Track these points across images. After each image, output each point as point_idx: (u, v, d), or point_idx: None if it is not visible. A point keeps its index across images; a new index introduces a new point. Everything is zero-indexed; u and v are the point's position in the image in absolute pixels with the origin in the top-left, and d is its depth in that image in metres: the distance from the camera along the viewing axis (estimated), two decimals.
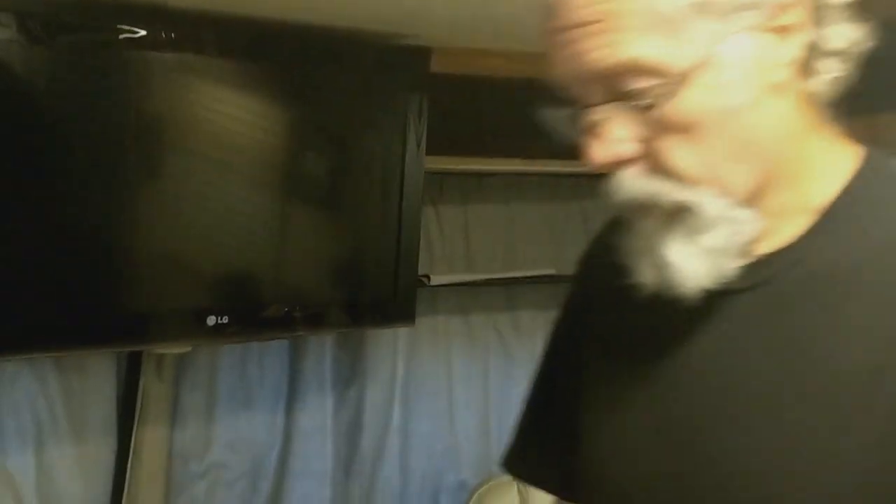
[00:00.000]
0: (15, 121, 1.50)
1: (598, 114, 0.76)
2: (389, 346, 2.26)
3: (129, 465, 1.95)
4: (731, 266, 0.77)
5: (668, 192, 0.76)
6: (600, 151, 0.76)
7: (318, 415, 2.20)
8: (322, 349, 2.19)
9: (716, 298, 0.80)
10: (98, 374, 1.94)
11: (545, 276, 2.24)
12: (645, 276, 0.79)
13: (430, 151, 1.90)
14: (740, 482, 0.79)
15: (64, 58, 1.52)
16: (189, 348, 1.89)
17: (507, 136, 2.03)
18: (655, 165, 0.76)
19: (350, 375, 2.24)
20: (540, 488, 1.07)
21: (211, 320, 1.64)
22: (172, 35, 1.58)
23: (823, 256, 0.79)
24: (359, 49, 1.86)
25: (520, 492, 2.13)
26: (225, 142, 1.72)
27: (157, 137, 1.63)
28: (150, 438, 1.97)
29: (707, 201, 0.76)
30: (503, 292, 2.38)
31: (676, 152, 0.75)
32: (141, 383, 1.93)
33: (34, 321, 1.53)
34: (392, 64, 1.88)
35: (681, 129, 0.75)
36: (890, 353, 0.74)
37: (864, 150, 0.83)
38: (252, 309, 1.75)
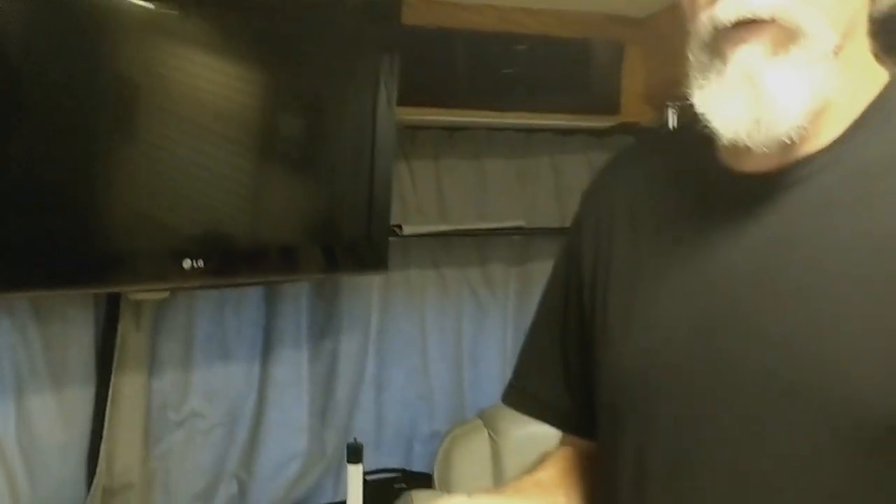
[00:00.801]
0: None
1: None
2: (364, 299, 2.30)
3: (107, 414, 1.98)
4: (807, 114, 0.82)
5: (794, 8, 0.80)
6: None
7: (293, 365, 2.24)
8: (298, 301, 2.23)
9: (759, 196, 0.86)
10: (77, 323, 1.97)
11: (515, 227, 2.29)
12: (731, 119, 0.83)
13: (401, 103, 1.94)
14: (777, 368, 0.82)
15: (37, 17, 1.53)
16: (166, 294, 1.92)
17: (478, 89, 2.07)
18: None
19: (325, 327, 2.28)
20: (543, 421, 1.11)
21: (187, 263, 1.67)
22: None
23: (860, 156, 0.84)
24: (330, 3, 1.88)
25: (490, 436, 2.19)
26: (199, 98, 1.74)
27: (131, 95, 1.65)
28: (129, 387, 2.00)
29: (822, 32, 0.80)
30: (475, 247, 2.43)
31: None
32: (119, 332, 1.96)
33: (13, 262, 1.55)
34: (363, 18, 1.91)
35: None
36: None
37: (893, 68, 0.89)
38: (228, 253, 1.78)
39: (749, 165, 0.89)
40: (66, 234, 1.61)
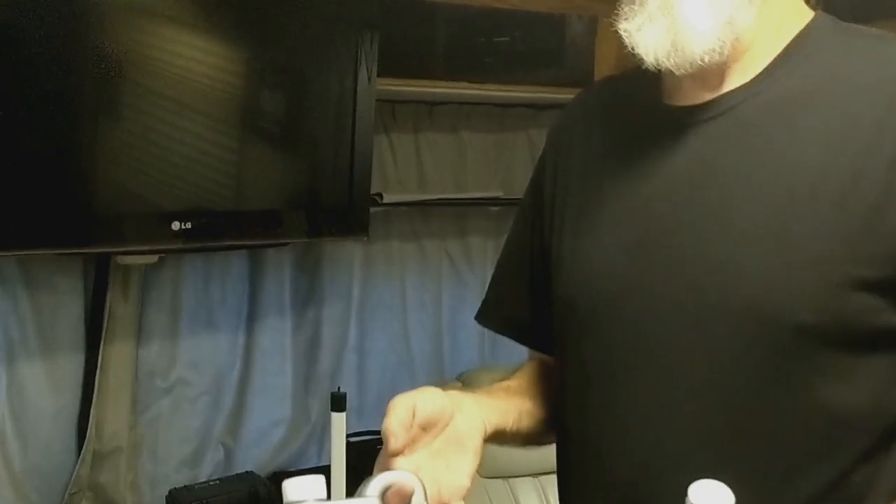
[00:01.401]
0: None
1: None
2: (346, 269, 2.36)
3: (96, 381, 2.03)
4: (724, 44, 0.91)
5: None
6: None
7: (277, 334, 2.29)
8: (281, 271, 2.28)
9: (686, 127, 0.96)
10: (66, 292, 2.01)
11: (493, 198, 2.35)
12: (651, 44, 0.92)
13: (382, 74, 1.99)
14: (696, 282, 0.92)
15: None
16: (154, 259, 1.97)
17: (456, 62, 2.14)
18: None
19: (308, 296, 2.33)
20: (509, 336, 1.22)
21: (176, 225, 1.73)
22: None
23: (780, 88, 0.94)
24: None
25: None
26: (186, 73, 1.78)
27: (120, 69, 1.68)
28: (117, 355, 2.05)
29: None
30: (454, 219, 2.49)
31: None
32: (108, 302, 2.01)
33: (4, 222, 1.61)
34: None
35: None
36: (847, 157, 0.88)
37: (816, 10, 0.98)
38: (215, 217, 1.84)
39: (682, 100, 0.98)
40: (57, 197, 1.66)
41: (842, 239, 0.87)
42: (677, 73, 0.93)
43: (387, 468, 0.88)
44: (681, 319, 0.93)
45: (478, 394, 1.05)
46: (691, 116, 0.97)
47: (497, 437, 1.04)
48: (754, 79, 0.95)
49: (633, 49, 0.94)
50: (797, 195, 0.89)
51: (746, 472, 0.75)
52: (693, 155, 0.96)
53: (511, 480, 2.23)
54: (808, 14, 0.98)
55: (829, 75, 0.93)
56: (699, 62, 0.92)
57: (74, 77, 1.65)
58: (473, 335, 2.53)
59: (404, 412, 0.91)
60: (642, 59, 0.94)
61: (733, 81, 0.96)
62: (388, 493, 0.83)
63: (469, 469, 0.94)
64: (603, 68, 2.16)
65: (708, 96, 0.96)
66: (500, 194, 2.37)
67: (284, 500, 0.79)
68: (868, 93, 0.90)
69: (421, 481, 0.85)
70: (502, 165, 2.48)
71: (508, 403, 1.08)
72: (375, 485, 0.83)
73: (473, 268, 2.51)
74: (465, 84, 2.19)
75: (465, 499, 0.94)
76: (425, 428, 0.92)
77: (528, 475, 2.20)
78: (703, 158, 0.95)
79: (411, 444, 0.91)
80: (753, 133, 0.93)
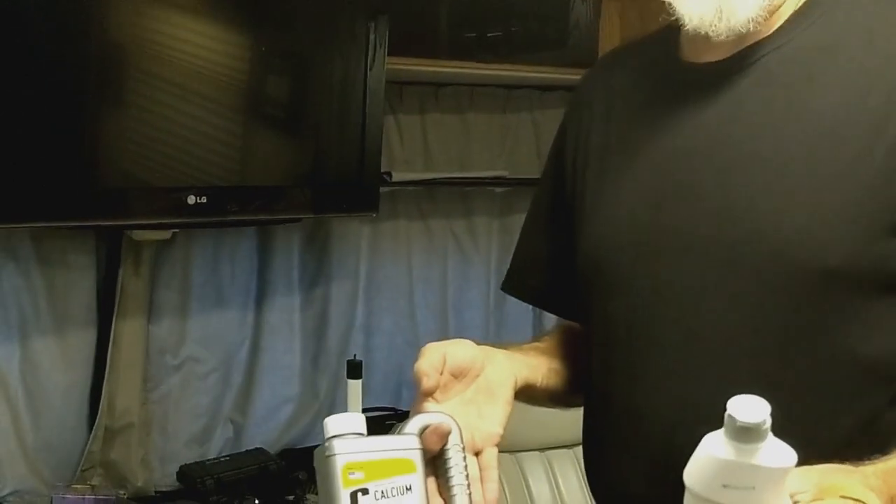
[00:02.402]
0: None
1: None
2: (353, 248, 2.38)
3: (108, 357, 2.06)
4: (762, 7, 0.93)
5: None
6: None
7: (286, 312, 2.31)
8: (290, 250, 2.31)
9: (709, 82, 0.98)
10: (79, 269, 2.04)
11: (498, 178, 2.38)
12: (696, 9, 0.94)
13: (390, 54, 2.02)
14: (720, 232, 0.94)
15: None
16: (167, 235, 2.00)
17: (462, 43, 2.16)
18: None
19: (316, 275, 2.36)
20: (533, 304, 1.28)
21: (191, 199, 1.76)
22: None
23: (800, 41, 0.96)
24: None
25: None
26: (200, 55, 1.82)
27: (130, 49, 1.72)
28: (129, 332, 2.07)
29: None
30: (460, 199, 2.51)
31: None
32: (119, 279, 2.04)
33: (20, 195, 1.65)
34: None
35: None
36: (869, 106, 0.91)
37: None
38: (228, 191, 1.87)
39: (704, 56, 1.01)
40: (70, 171, 1.70)
41: (867, 185, 0.89)
42: (717, 38, 0.95)
43: (421, 412, 0.91)
44: (707, 270, 0.95)
45: (509, 348, 1.08)
46: (713, 72, 0.99)
47: (527, 392, 1.06)
48: (774, 32, 0.98)
49: (671, 10, 0.96)
50: (821, 144, 0.91)
51: (782, 418, 0.77)
52: (716, 109, 0.98)
53: (518, 455, 2.26)
54: None
55: (847, 27, 0.95)
56: (741, 30, 0.94)
57: (86, 59, 1.70)
58: (478, 314, 2.55)
59: (436, 356, 0.94)
60: (682, 20, 0.96)
61: (753, 37, 0.98)
62: (426, 432, 0.86)
63: (501, 418, 0.97)
64: (607, 49, 2.19)
65: (729, 52, 0.98)
66: (505, 174, 2.40)
67: (325, 434, 0.82)
68: (886, 43, 0.93)
69: (456, 422, 0.88)
70: (507, 146, 2.50)
71: (538, 360, 1.11)
72: (414, 423, 0.86)
73: (479, 247, 2.54)
74: (471, 65, 2.21)
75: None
76: (456, 376, 0.95)
77: (536, 449, 2.22)
78: (726, 112, 0.97)
79: (444, 390, 0.94)
80: (776, 85, 0.96)
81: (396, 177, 2.23)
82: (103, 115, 1.73)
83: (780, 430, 0.73)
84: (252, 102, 1.92)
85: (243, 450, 2.26)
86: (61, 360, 2.05)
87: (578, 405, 1.15)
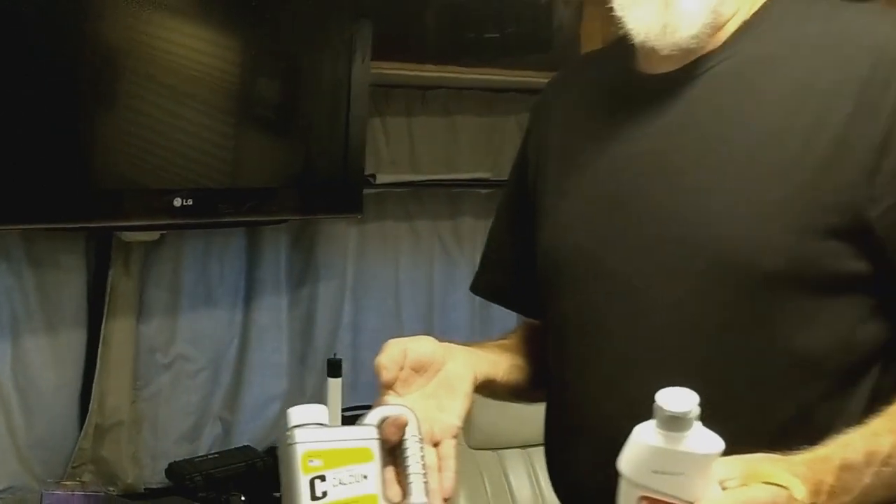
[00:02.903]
0: None
1: None
2: (340, 248, 2.42)
3: (99, 356, 2.09)
4: (707, 28, 0.99)
5: None
6: None
7: (274, 311, 2.35)
8: (278, 250, 2.34)
9: (659, 92, 1.03)
10: (70, 269, 2.08)
11: (483, 179, 2.42)
12: (643, 23, 0.99)
13: (376, 58, 2.06)
14: (668, 233, 0.99)
15: None
16: (156, 236, 2.03)
17: (448, 47, 2.21)
18: None
19: (303, 275, 2.39)
20: (498, 303, 1.31)
21: (177, 202, 1.80)
22: None
23: (745, 54, 1.01)
24: None
25: None
26: (187, 58, 1.85)
27: (120, 52, 1.75)
28: (119, 331, 2.11)
29: None
30: (446, 201, 2.56)
31: None
32: (110, 278, 2.07)
33: (13, 197, 1.69)
34: None
35: None
36: (807, 114, 0.96)
37: None
38: (215, 195, 1.91)
39: (656, 68, 1.05)
40: (62, 173, 1.73)
41: (803, 190, 0.94)
42: (661, 52, 1.00)
43: (382, 404, 0.96)
44: (655, 269, 1.00)
45: (471, 346, 1.13)
46: (664, 82, 1.04)
47: (488, 386, 1.11)
48: (721, 46, 1.03)
49: (622, 24, 1.01)
50: (760, 151, 0.96)
51: (720, 409, 0.82)
52: (666, 117, 1.03)
53: (500, 452, 2.30)
54: None
55: (790, 40, 1.00)
56: (684, 45, 0.99)
57: (78, 62, 1.72)
58: (463, 314, 2.60)
59: (396, 351, 0.99)
60: (630, 34, 1.01)
61: (701, 49, 1.03)
62: (385, 423, 0.91)
63: (460, 411, 1.01)
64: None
65: (679, 63, 1.03)
66: (490, 176, 2.44)
67: (288, 424, 0.87)
68: (824, 55, 0.98)
69: (415, 414, 0.92)
70: (493, 148, 2.54)
71: (500, 357, 1.16)
72: (374, 415, 0.90)
73: (464, 249, 2.58)
74: (457, 69, 2.25)
75: (457, 458, 1.00)
76: (417, 371, 1.00)
77: (517, 447, 2.27)
78: (675, 120, 1.02)
79: (405, 384, 0.99)
80: (721, 96, 1.01)
81: (381, 178, 2.27)
82: (95, 118, 1.77)
83: (719, 421, 0.78)
84: (240, 105, 1.96)
85: (232, 447, 2.29)
86: (52, 359, 2.08)
87: (541, 400, 1.19)
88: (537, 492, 2.24)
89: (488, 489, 2.26)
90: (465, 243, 2.59)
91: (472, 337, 2.60)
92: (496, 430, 2.26)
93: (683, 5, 0.98)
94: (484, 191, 2.54)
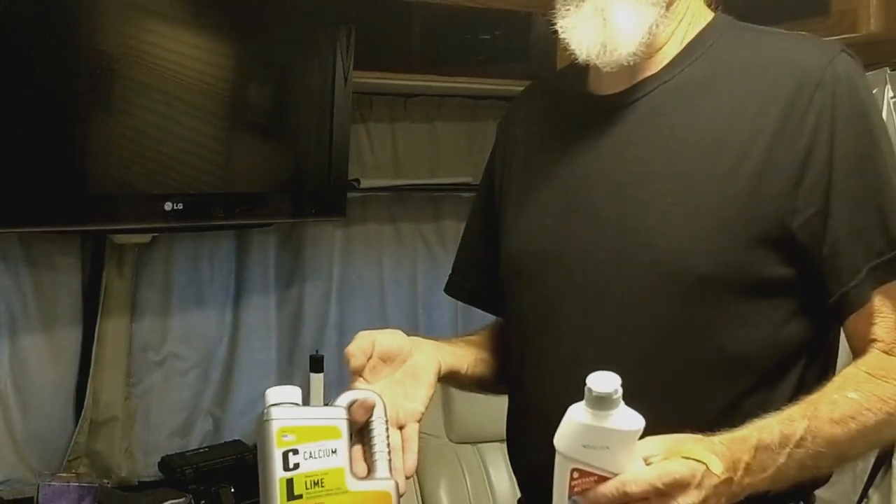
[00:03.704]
0: None
1: None
2: (326, 250, 2.50)
3: (93, 354, 2.17)
4: (643, 48, 1.07)
5: None
6: None
7: (262, 311, 2.43)
8: (266, 252, 2.42)
9: (605, 113, 1.12)
10: (65, 270, 2.15)
11: (464, 184, 2.50)
12: (584, 42, 1.08)
13: (360, 67, 2.14)
14: (613, 243, 1.08)
15: None
16: (147, 239, 2.11)
17: (430, 56, 2.29)
18: None
19: (291, 276, 2.47)
20: (470, 304, 1.40)
21: (168, 206, 1.88)
22: None
23: (682, 77, 1.11)
24: None
25: None
26: (178, 65, 1.92)
27: (112, 60, 1.82)
28: (113, 330, 2.18)
29: None
30: (429, 204, 2.63)
31: None
32: (104, 279, 2.15)
33: (9, 201, 1.76)
34: None
35: None
36: (737, 133, 1.05)
37: (716, 11, 1.15)
38: (204, 199, 1.99)
39: (605, 89, 1.15)
40: (57, 178, 1.80)
41: (733, 203, 1.04)
42: (603, 69, 1.09)
43: (351, 389, 1.04)
44: (601, 275, 1.09)
45: (439, 340, 1.22)
46: (609, 104, 1.13)
47: (453, 377, 1.20)
48: (662, 69, 1.12)
49: (566, 44, 1.10)
50: (696, 167, 1.06)
51: (658, 400, 0.90)
52: (613, 135, 1.12)
53: (479, 446, 2.39)
54: (709, 15, 1.16)
55: (723, 65, 1.10)
56: (623, 62, 1.08)
57: (73, 68, 1.79)
58: (447, 314, 2.67)
59: (365, 341, 1.08)
60: (574, 53, 1.10)
61: (644, 73, 1.12)
62: (354, 406, 0.99)
63: (423, 398, 1.10)
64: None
65: (624, 86, 1.13)
66: (471, 180, 2.52)
67: (265, 403, 0.95)
68: (754, 78, 1.07)
69: (381, 398, 1.01)
70: (473, 154, 2.63)
71: (466, 350, 1.24)
72: (343, 398, 0.99)
73: (447, 250, 2.64)
74: (438, 77, 2.33)
75: (426, 444, 1.08)
76: (385, 360, 1.09)
77: (497, 441, 2.35)
78: (621, 138, 1.12)
79: (374, 372, 1.08)
80: (660, 116, 1.10)
81: (365, 183, 2.35)
82: (89, 124, 1.84)
83: (656, 410, 0.87)
84: (229, 113, 2.03)
85: (222, 441, 2.36)
86: (48, 357, 2.16)
87: (505, 392, 1.27)
88: (515, 485, 2.31)
89: (468, 481, 2.34)
90: (448, 245, 2.66)
91: (456, 334, 2.67)
92: (476, 424, 2.34)
93: (620, 25, 1.06)
94: (465, 194, 2.61)
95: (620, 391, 0.84)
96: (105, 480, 2.15)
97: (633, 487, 0.87)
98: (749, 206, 1.03)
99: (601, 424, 0.85)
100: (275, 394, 0.97)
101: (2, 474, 2.11)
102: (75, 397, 2.20)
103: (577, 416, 0.86)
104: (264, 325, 2.44)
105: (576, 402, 0.89)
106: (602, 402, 0.84)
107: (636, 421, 0.86)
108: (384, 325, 2.58)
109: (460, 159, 2.62)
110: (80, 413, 2.18)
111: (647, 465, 0.88)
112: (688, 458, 0.89)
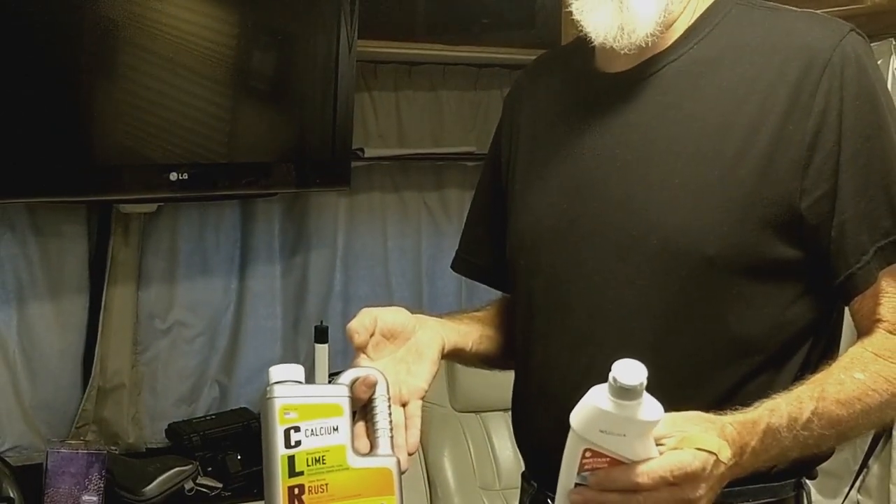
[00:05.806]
0: None
1: None
2: (331, 219, 2.51)
3: (100, 321, 2.19)
4: (658, 24, 1.06)
5: None
6: None
7: (268, 279, 2.45)
8: (271, 221, 2.43)
9: (613, 90, 1.11)
10: (72, 239, 2.17)
11: (468, 153, 2.51)
12: (600, 25, 1.07)
13: (365, 36, 2.13)
14: (620, 222, 1.08)
15: None
16: (153, 208, 2.12)
17: (434, 25, 2.28)
18: None
19: (296, 245, 2.49)
20: (477, 280, 1.38)
21: (173, 176, 1.89)
22: None
23: (689, 56, 1.10)
24: None
25: None
26: (182, 34, 1.92)
27: (119, 29, 1.82)
28: (119, 298, 2.21)
29: None
30: (432, 173, 2.64)
31: None
32: (110, 247, 2.16)
33: (17, 171, 1.77)
34: None
35: None
36: (745, 113, 1.04)
37: None
38: (209, 168, 2.00)
39: (612, 67, 1.14)
40: (64, 149, 1.81)
41: (741, 184, 1.03)
42: (619, 51, 1.08)
43: (355, 366, 1.05)
44: (610, 253, 1.09)
45: (444, 317, 1.22)
46: (618, 81, 1.13)
47: (457, 355, 1.21)
48: (670, 47, 1.11)
49: (580, 26, 1.09)
50: (704, 146, 1.05)
51: (665, 380, 0.91)
52: (621, 114, 1.12)
53: (483, 415, 2.41)
54: None
55: (731, 43, 1.09)
56: (640, 44, 1.07)
57: (78, 37, 1.79)
58: (451, 283, 2.68)
59: (367, 318, 1.08)
60: (589, 36, 1.09)
61: (653, 50, 1.11)
62: (356, 383, 1.00)
63: (426, 375, 1.10)
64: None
65: (633, 63, 1.12)
66: (475, 149, 2.52)
67: (268, 381, 0.97)
68: (762, 58, 1.06)
69: (384, 375, 1.02)
70: (477, 122, 2.63)
71: (470, 327, 1.25)
72: (346, 376, 1.00)
73: (451, 219, 2.66)
74: (443, 46, 2.33)
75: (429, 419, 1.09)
76: (388, 338, 1.09)
77: (500, 410, 2.37)
78: (629, 117, 1.11)
79: (377, 349, 1.08)
80: (669, 94, 1.09)
81: (369, 152, 2.35)
82: (94, 94, 1.84)
83: (662, 389, 0.87)
84: (234, 81, 2.03)
85: (228, 409, 2.39)
86: (56, 325, 2.18)
87: (511, 368, 1.28)
88: (517, 453, 2.34)
89: (472, 450, 2.37)
90: (451, 213, 2.67)
91: (460, 303, 2.70)
92: (479, 393, 2.36)
93: (637, 7, 1.05)
94: (469, 163, 2.62)
95: (645, 382, 0.84)
96: (113, 447, 2.19)
97: (645, 479, 0.88)
98: (757, 186, 1.03)
99: (623, 414, 0.85)
100: (278, 371, 0.98)
101: (11, 441, 2.14)
102: (82, 365, 2.22)
103: (598, 401, 0.85)
104: (270, 294, 2.46)
105: (582, 381, 0.89)
106: (627, 394, 0.84)
107: (657, 411, 0.86)
108: (388, 293, 2.62)
109: (464, 128, 2.62)
110: (87, 380, 2.21)
111: (658, 445, 0.89)
112: (700, 448, 0.89)
